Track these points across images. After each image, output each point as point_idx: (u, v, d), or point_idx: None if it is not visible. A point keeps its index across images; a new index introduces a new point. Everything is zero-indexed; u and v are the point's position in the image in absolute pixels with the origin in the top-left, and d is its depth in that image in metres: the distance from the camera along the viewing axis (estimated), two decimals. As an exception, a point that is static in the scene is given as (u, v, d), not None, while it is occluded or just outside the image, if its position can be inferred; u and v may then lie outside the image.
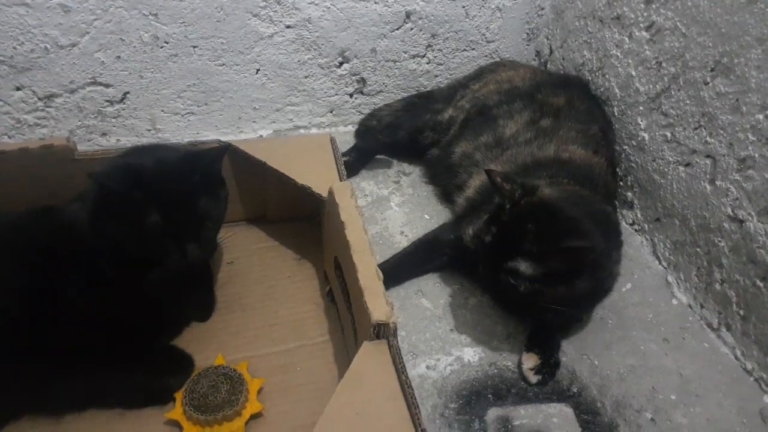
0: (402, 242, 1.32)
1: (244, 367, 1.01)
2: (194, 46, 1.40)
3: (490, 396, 1.04)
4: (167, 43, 1.37)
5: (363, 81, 1.61)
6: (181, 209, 0.94)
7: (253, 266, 1.23)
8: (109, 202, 0.92)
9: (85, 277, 0.94)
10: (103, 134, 1.47)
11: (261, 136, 1.58)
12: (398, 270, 1.21)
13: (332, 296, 1.14)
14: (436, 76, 1.67)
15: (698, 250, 1.17)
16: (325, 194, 1.08)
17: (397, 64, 1.61)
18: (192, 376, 0.99)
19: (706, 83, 1.11)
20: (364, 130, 1.54)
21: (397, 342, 0.85)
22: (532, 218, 0.97)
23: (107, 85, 1.40)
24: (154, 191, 0.92)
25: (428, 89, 1.66)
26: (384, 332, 0.85)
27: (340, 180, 1.11)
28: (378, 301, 0.86)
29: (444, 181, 1.41)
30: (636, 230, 1.37)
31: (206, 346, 1.06)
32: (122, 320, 0.97)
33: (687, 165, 1.18)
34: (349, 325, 1.00)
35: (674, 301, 1.23)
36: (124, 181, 0.91)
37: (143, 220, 0.91)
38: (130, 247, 0.93)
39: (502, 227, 1.00)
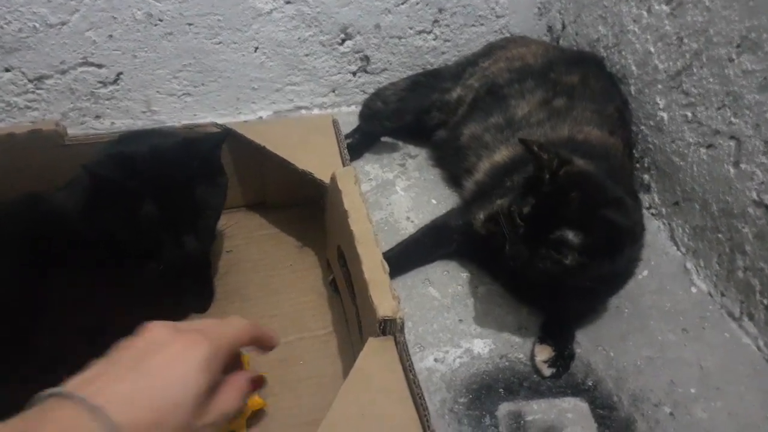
0: (408, 228, 1.27)
1: (246, 359, 0.97)
2: (189, 24, 1.34)
3: (501, 390, 1.00)
4: (161, 20, 1.31)
5: (366, 59, 1.54)
6: (177, 198, 0.90)
7: (253, 255, 1.18)
8: (101, 193, 0.88)
9: (76, 269, 0.90)
10: (97, 117, 1.41)
11: (260, 117, 1.52)
12: (404, 258, 1.16)
13: (335, 285, 1.09)
14: (443, 53, 1.60)
15: (720, 236, 1.12)
16: (327, 180, 1.02)
17: (402, 40, 1.54)
18: (190, 371, 0.95)
19: (731, 60, 1.04)
20: (369, 114, 1.47)
21: (404, 338, 0.80)
22: (576, 187, 0.92)
23: (99, 66, 1.34)
24: (148, 180, 0.87)
25: (435, 67, 1.59)
26: (390, 328, 0.80)
27: (343, 165, 1.06)
28: (384, 295, 0.81)
29: (452, 164, 1.35)
30: (653, 214, 1.31)
31: (205, 339, 1.02)
32: (115, 313, 0.92)
33: (709, 146, 1.11)
34: (354, 316, 0.96)
35: (693, 289, 1.18)
36: (117, 170, 0.86)
37: (138, 210, 0.87)
38: (125, 238, 0.89)
39: (542, 198, 0.93)
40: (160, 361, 0.52)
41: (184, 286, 1.05)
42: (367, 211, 0.93)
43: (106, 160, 0.90)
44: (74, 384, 0.49)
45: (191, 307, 1.07)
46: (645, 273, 1.19)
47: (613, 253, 0.92)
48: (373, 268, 0.85)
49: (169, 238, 0.91)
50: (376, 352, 0.79)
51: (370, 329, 0.82)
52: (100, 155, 0.92)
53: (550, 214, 0.92)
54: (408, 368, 0.77)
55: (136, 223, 0.87)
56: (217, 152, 1.00)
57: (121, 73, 1.36)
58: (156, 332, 0.55)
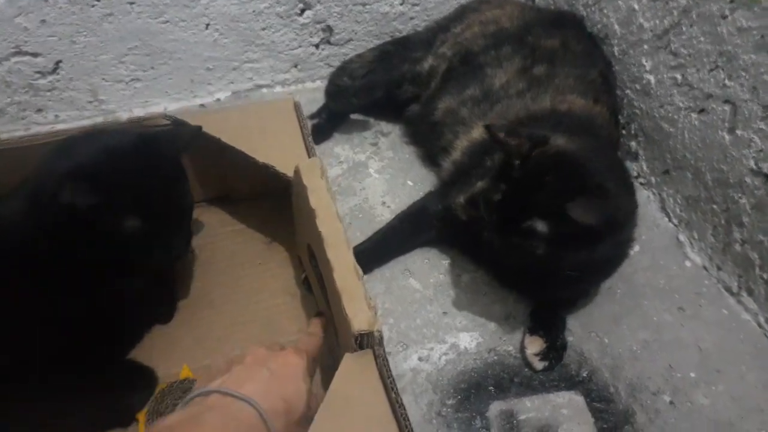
0: (384, 214, 1.18)
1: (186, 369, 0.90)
2: (131, 3, 1.21)
3: (491, 388, 0.94)
4: (98, 0, 1.18)
5: (329, 29, 1.43)
6: (158, 204, 0.83)
7: (218, 254, 1.09)
8: (71, 219, 0.78)
9: (27, 286, 0.81)
10: (39, 110, 1.29)
11: (218, 99, 1.41)
12: (382, 249, 1.09)
13: (308, 284, 1.01)
14: (412, 18, 1.49)
15: (714, 206, 1.05)
16: (291, 173, 0.93)
17: (367, 7, 1.42)
18: (155, 393, 0.88)
19: (725, 17, 0.95)
20: (335, 91, 1.37)
21: (384, 351, 0.73)
22: (550, 170, 0.84)
23: (35, 54, 1.21)
24: (122, 192, 0.79)
25: (404, 34, 1.48)
26: (368, 342, 0.73)
27: (308, 154, 0.97)
28: (358, 305, 0.73)
29: (427, 141, 1.26)
30: (642, 184, 1.24)
31: (169, 354, 0.94)
32: (74, 333, 0.84)
33: (701, 111, 1.04)
34: (329, 318, 0.88)
35: (687, 263, 1.11)
36: (90, 191, 0.76)
37: (119, 226, 0.80)
38: (104, 258, 0.81)
39: (514, 184, 0.86)
40: (275, 366, 0.65)
41: (146, 297, 0.97)
42: (337, 210, 0.84)
43: (67, 181, 0.77)
44: (217, 384, 0.61)
45: (154, 318, 0.99)
46: (636, 248, 1.12)
47: (590, 244, 0.84)
48: (345, 275, 0.77)
49: (158, 247, 0.85)
50: (352, 371, 0.72)
51: (346, 343, 0.74)
52: (53, 174, 0.80)
53: (522, 202, 0.85)
54: (389, 386, 0.70)
55: (120, 240, 0.81)
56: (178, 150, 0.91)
57: (60, 62, 1.24)
58: (259, 350, 0.68)
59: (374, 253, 1.07)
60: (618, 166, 0.97)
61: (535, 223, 0.83)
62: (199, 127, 0.94)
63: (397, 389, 0.69)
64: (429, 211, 1.10)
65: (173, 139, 0.90)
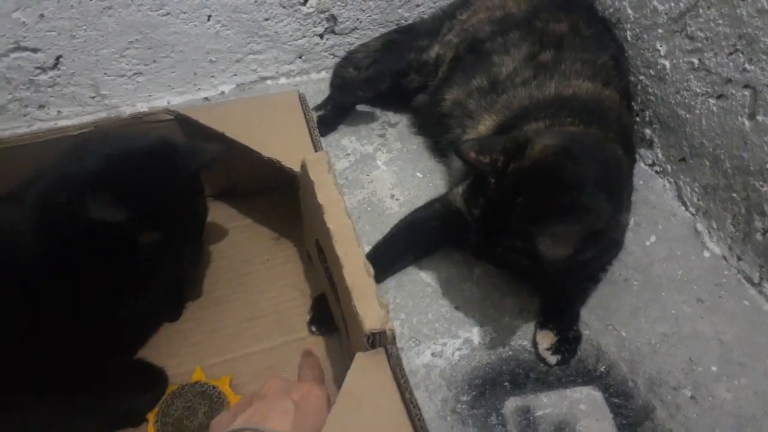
0: (393, 207, 1.16)
1: (227, 381, 0.88)
2: (130, -5, 1.19)
3: (506, 384, 0.92)
4: (97, -7, 1.16)
5: (333, 18, 1.39)
6: (177, 218, 0.84)
7: (225, 250, 1.07)
8: (88, 229, 0.76)
9: (33, 288, 0.79)
10: (41, 107, 1.27)
11: (222, 92, 1.39)
12: (382, 262, 1.01)
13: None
14: (418, 5, 1.45)
15: (734, 195, 1.02)
16: (297, 168, 0.91)
17: (372, -6, 1.40)
18: (166, 394, 0.86)
19: (745, -2, 0.92)
20: (341, 83, 1.34)
21: (397, 350, 0.71)
22: (523, 188, 0.82)
23: (35, 50, 1.19)
24: (144, 205, 0.78)
25: (409, 22, 1.45)
26: (380, 340, 0.70)
27: (315, 148, 0.94)
28: (370, 303, 0.71)
29: (435, 133, 1.23)
30: (657, 172, 1.20)
31: (177, 350, 0.93)
32: (80, 334, 0.82)
33: (719, 97, 1.00)
34: (340, 316, 0.86)
35: (706, 253, 1.08)
36: (120, 205, 0.75)
37: (138, 239, 0.79)
38: (115, 269, 0.80)
39: (490, 203, 0.85)
40: (298, 398, 0.66)
41: (156, 297, 0.95)
42: (345, 205, 0.82)
43: (95, 193, 0.76)
44: (243, 421, 0.61)
45: (162, 318, 0.97)
46: (652, 239, 1.10)
47: (575, 253, 0.79)
48: (355, 272, 0.75)
49: (171, 260, 0.85)
50: (365, 371, 0.70)
51: (357, 342, 0.72)
52: (70, 181, 0.79)
53: (499, 221, 0.83)
54: (403, 386, 0.68)
55: (137, 255, 0.80)
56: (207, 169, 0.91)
57: (60, 57, 1.22)
58: (277, 383, 0.69)
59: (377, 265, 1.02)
60: (608, 158, 0.90)
61: (514, 241, 0.82)
62: (225, 148, 0.92)
63: (411, 389, 0.67)
64: (425, 216, 1.06)
65: (196, 153, 0.88)
